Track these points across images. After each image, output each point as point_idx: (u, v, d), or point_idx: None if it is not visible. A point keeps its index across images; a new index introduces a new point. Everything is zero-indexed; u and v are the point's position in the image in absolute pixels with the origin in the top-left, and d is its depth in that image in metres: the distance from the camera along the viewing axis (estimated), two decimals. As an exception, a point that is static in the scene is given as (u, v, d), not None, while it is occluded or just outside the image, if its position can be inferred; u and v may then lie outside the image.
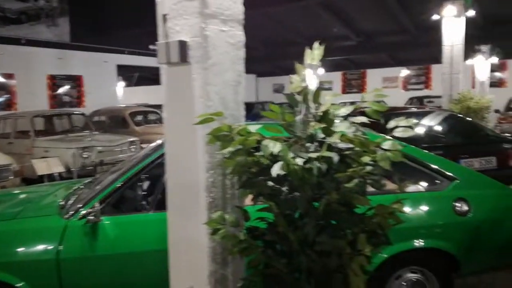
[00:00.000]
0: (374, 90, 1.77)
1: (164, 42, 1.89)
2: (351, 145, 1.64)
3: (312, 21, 13.08)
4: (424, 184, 3.07)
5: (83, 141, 8.06)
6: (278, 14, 13.24)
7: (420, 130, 5.73)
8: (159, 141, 3.39)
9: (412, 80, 19.64)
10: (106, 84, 14.39)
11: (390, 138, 1.74)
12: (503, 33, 12.38)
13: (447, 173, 3.09)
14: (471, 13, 9.49)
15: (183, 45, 1.84)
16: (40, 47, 12.52)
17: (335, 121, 1.66)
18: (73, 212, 2.68)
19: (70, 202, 2.96)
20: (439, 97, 10.68)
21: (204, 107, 1.85)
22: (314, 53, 1.81)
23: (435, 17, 9.71)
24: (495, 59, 13.88)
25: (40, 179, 6.77)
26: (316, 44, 1.82)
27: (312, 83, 1.75)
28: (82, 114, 10.13)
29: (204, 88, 1.86)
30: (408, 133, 1.71)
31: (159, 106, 13.27)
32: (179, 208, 1.96)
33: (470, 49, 12.68)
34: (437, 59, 9.45)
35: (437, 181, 3.08)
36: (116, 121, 10.80)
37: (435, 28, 9.75)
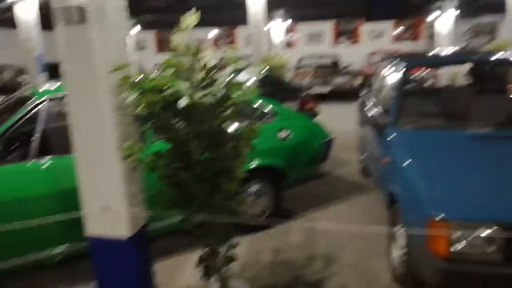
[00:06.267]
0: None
1: (63, 6, 2.20)
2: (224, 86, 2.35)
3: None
4: (257, 118, 4.02)
5: None
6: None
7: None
8: (19, 95, 3.52)
9: (220, 41, 21.14)
10: None
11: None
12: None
13: (271, 110, 4.13)
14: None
15: (82, 10, 2.20)
16: None
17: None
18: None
19: None
20: (248, 56, 12.10)
21: (103, 60, 2.28)
22: (190, 18, 2.39)
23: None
24: (287, 23, 16.26)
25: None
26: (190, 11, 2.40)
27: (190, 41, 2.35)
28: None
29: (101, 44, 2.27)
30: (254, 75, 2.49)
31: None
32: (87, 143, 2.36)
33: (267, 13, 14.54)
34: (240, 22, 10.58)
35: (265, 116, 4.09)
36: None
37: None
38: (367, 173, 4.91)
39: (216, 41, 21.09)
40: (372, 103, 4.77)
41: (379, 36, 19.35)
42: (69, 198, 2.62)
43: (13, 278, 3.23)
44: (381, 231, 3.40)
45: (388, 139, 3.34)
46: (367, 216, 4.14)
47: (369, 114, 4.04)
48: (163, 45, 21.09)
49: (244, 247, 3.41)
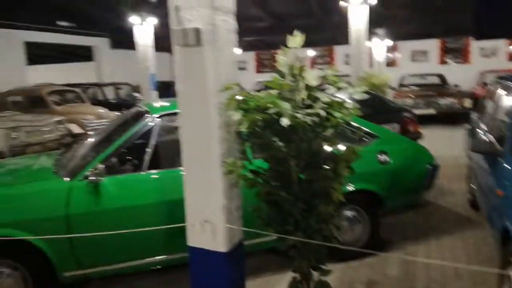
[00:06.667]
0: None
1: (181, 28, 2.39)
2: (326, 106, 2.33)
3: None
4: (355, 141, 3.91)
5: (10, 121, 7.82)
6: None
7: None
8: (135, 110, 3.87)
9: (318, 60, 21.17)
10: (12, 62, 13.42)
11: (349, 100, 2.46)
12: (390, 17, 14.08)
13: (371, 132, 3.99)
14: (373, 0, 10.71)
15: (198, 31, 2.37)
16: None
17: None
18: (75, 174, 3.07)
19: (64, 168, 3.30)
20: (346, 76, 11.88)
21: (214, 80, 2.41)
22: (296, 39, 2.43)
23: (342, 3, 10.85)
24: (389, 42, 15.75)
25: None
26: (296, 32, 2.44)
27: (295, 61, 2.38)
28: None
29: (214, 65, 2.41)
30: (361, 95, 2.42)
31: (76, 85, 12.90)
32: (195, 158, 2.51)
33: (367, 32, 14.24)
34: (338, 41, 10.59)
35: (364, 138, 3.96)
36: (33, 101, 10.39)
37: (339, 12, 10.86)
38: (476, 205, 4.49)
39: (314, 60, 21.16)
40: (484, 128, 4.37)
41: (491, 54, 17.78)
42: (174, 209, 2.77)
43: (110, 281, 3.44)
44: (491, 272, 3.05)
45: (503, 168, 3.02)
46: (474, 253, 3.76)
47: (481, 140, 3.70)
48: (262, 65, 21.75)
49: (337, 275, 3.30)
